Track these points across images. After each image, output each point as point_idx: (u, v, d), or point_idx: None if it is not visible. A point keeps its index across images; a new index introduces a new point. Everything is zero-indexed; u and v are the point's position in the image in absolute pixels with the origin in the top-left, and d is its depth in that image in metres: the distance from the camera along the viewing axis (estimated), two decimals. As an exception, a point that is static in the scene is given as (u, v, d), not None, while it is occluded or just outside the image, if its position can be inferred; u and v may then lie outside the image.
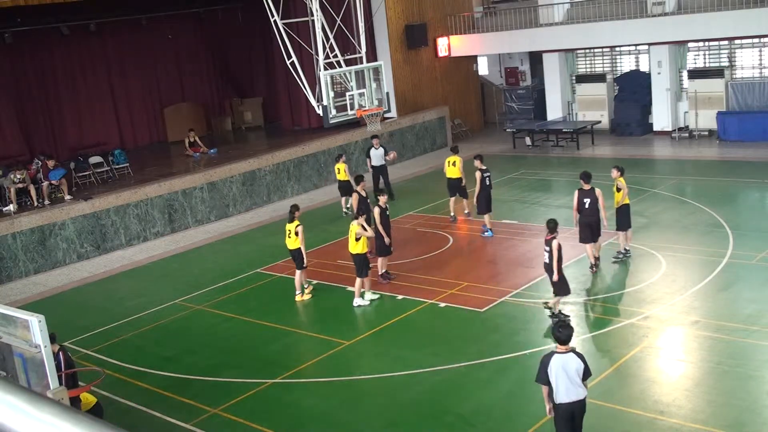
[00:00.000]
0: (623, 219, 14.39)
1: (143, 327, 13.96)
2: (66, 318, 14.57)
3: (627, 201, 14.39)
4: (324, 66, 18.89)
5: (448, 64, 29.17)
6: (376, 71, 19.78)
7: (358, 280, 13.72)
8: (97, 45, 25.81)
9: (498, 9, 29.64)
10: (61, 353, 9.26)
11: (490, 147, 26.52)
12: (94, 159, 22.42)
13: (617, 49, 27.51)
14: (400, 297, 13.93)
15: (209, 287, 15.67)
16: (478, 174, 16.68)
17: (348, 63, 20.26)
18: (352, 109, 18.88)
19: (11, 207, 18.41)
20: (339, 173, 19.65)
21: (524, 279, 14.14)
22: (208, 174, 21.09)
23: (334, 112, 18.59)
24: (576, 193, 14.12)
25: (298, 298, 14.39)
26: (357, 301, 13.75)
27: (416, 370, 11.05)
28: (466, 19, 28.97)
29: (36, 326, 5.58)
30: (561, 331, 7.95)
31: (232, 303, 14.70)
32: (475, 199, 16.91)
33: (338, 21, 20.59)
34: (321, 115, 18.99)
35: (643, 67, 26.92)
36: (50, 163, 19.77)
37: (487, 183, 16.77)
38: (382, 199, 14.66)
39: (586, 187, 13.95)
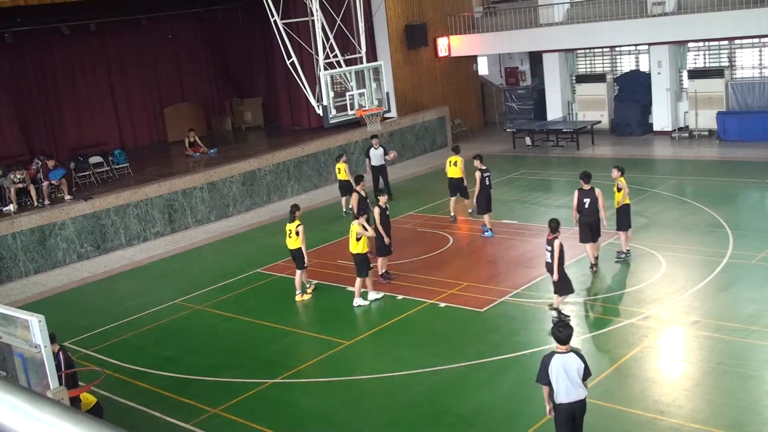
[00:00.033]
0: (623, 219, 14.39)
1: (143, 327, 13.96)
2: (66, 318, 14.57)
3: (627, 201, 14.40)
4: (324, 66, 18.89)
5: (448, 64, 29.17)
6: (376, 71, 19.78)
7: (358, 280, 13.72)
8: (97, 45, 25.81)
9: (498, 9, 29.64)
10: (61, 353, 9.26)
11: (490, 147, 26.52)
12: (94, 159, 22.42)
13: (617, 49, 27.51)
14: (400, 297, 13.93)
15: (209, 287, 15.67)
16: (477, 174, 16.69)
17: (348, 63, 20.26)
18: (352, 109, 18.88)
19: (11, 207, 18.41)
20: (340, 173, 19.67)
21: (524, 279, 14.14)
22: (208, 174, 21.09)
23: (334, 112, 18.59)
24: (576, 193, 14.14)
25: (298, 298, 14.39)
26: (357, 301, 13.75)
27: (416, 370, 11.05)
28: (466, 19, 28.97)
29: (36, 326, 5.58)
30: (561, 330, 7.95)
31: (232, 303, 14.70)
32: (474, 199, 16.93)
33: (338, 21, 20.59)
34: (321, 115, 18.99)
35: (643, 67, 26.92)
36: (50, 163, 19.77)
37: (487, 183, 16.78)
38: (382, 199, 14.66)
39: (586, 187, 13.96)
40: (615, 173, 14.45)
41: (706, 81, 24.84)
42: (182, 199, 20.33)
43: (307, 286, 14.69)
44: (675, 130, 25.50)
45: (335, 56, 19.88)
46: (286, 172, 22.86)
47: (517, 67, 31.41)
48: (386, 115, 22.98)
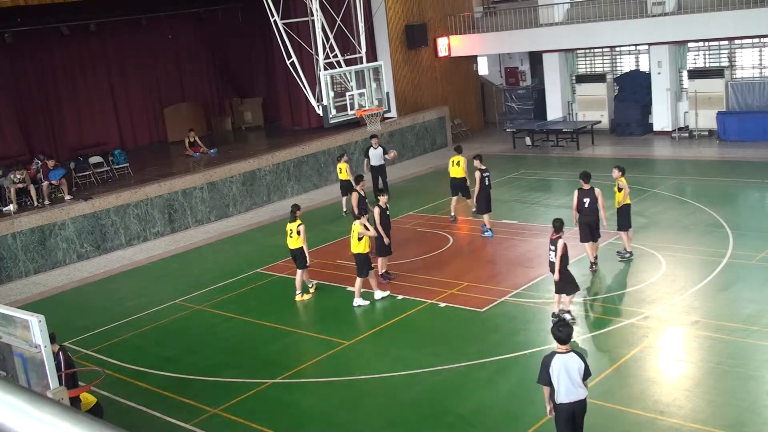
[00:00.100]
0: (624, 219, 14.40)
1: (143, 327, 13.96)
2: (66, 318, 14.57)
3: (628, 201, 14.41)
4: (324, 66, 18.89)
5: (448, 64, 29.17)
6: (376, 71, 19.78)
7: (358, 280, 13.72)
8: (97, 45, 25.81)
9: (498, 9, 29.64)
10: (61, 353, 9.26)
11: (490, 147, 26.52)
12: (94, 159, 22.42)
13: (617, 49, 27.51)
14: (400, 297, 13.93)
15: (209, 287, 15.67)
16: (477, 174, 16.70)
17: (348, 63, 20.27)
18: (352, 109, 18.89)
19: (11, 207, 18.41)
20: (341, 173, 19.67)
21: (524, 279, 14.14)
22: (208, 174, 21.09)
23: (334, 112, 18.59)
24: (576, 192, 14.16)
25: (298, 298, 14.39)
26: (357, 301, 13.74)
27: (416, 370, 11.04)
28: (466, 19, 28.97)
29: (36, 326, 5.58)
30: (561, 330, 7.95)
31: (232, 303, 14.70)
32: (474, 199, 16.95)
33: (338, 21, 20.59)
34: (321, 115, 19.00)
35: (643, 67, 26.92)
36: (50, 163, 19.77)
37: (487, 183, 16.78)
38: (383, 199, 14.65)
39: (586, 186, 13.98)
40: (616, 173, 14.46)
41: (706, 81, 24.84)
42: (182, 199, 20.33)
43: (309, 286, 14.69)
44: (675, 130, 25.50)
45: (335, 56, 19.88)
46: (286, 172, 22.86)
47: (517, 67, 31.41)
48: (386, 115, 22.98)
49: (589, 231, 13.96)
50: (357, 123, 22.78)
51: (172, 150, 26.34)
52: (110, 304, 15.46)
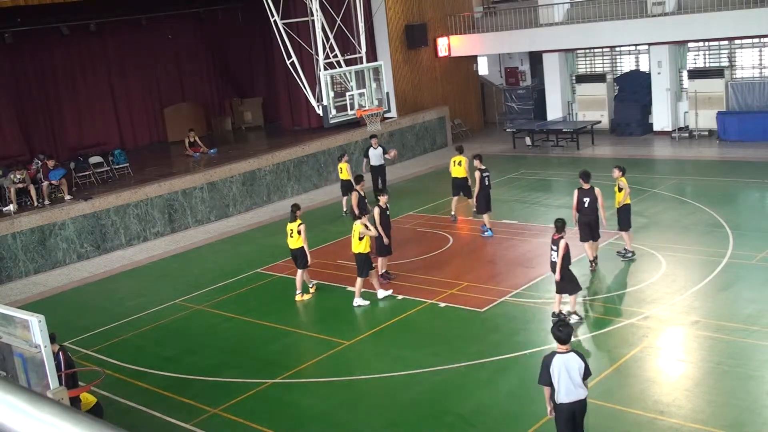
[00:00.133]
0: (624, 219, 14.41)
1: (143, 327, 13.96)
2: (66, 318, 14.57)
3: (628, 201, 14.42)
4: (324, 66, 18.89)
5: (448, 64, 29.17)
6: (376, 71, 19.78)
7: (359, 280, 13.72)
8: (97, 45, 25.82)
9: (498, 9, 29.64)
10: (61, 353, 9.26)
11: (490, 147, 26.52)
12: (94, 159, 22.42)
13: (617, 49, 27.51)
14: (400, 297, 13.93)
15: (209, 287, 15.67)
16: (477, 174, 16.72)
17: (348, 63, 20.27)
18: (352, 109, 18.88)
19: (11, 207, 18.41)
20: (342, 173, 19.67)
21: (524, 279, 14.14)
22: (208, 174, 21.09)
23: (334, 112, 18.59)
24: (576, 192, 14.17)
25: (298, 298, 14.39)
26: (357, 301, 13.74)
27: (416, 370, 11.04)
28: (466, 19, 28.97)
29: (36, 326, 5.58)
30: (561, 330, 7.94)
31: (232, 303, 14.70)
32: (474, 199, 16.96)
33: (338, 21, 20.59)
34: (321, 115, 18.99)
35: (643, 67, 26.92)
36: (50, 163, 19.77)
37: (487, 183, 16.79)
38: (383, 199, 14.65)
39: (586, 186, 13.99)
40: (616, 173, 14.47)
41: (706, 81, 24.84)
42: (182, 199, 20.33)
43: (309, 286, 14.69)
44: (675, 130, 25.50)
45: (335, 56, 19.88)
46: (286, 172, 22.86)
47: (517, 67, 31.41)
48: (386, 115, 22.98)
49: (589, 230, 13.97)
50: (357, 123, 22.78)
51: (172, 150, 26.34)
52: (110, 304, 15.46)
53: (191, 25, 28.73)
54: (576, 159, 23.96)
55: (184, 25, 28.45)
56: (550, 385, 7.86)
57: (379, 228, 14.34)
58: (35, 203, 18.82)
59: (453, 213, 18.41)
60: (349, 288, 14.31)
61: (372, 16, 25.96)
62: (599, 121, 26.62)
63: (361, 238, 13.48)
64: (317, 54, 18.99)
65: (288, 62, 19.30)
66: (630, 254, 14.45)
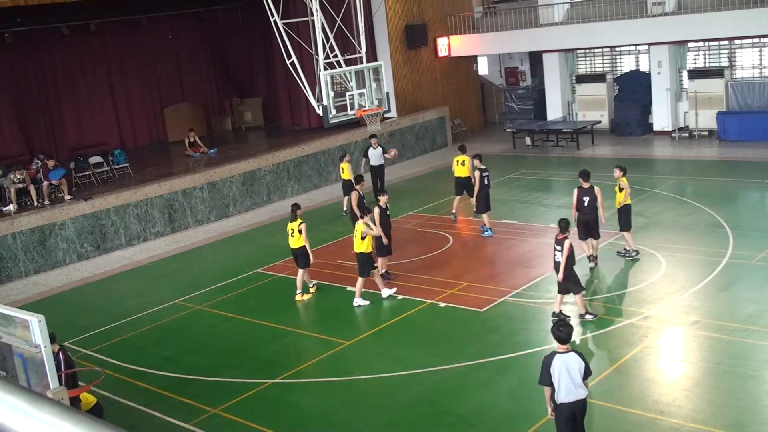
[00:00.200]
0: (625, 219, 14.41)
1: (143, 327, 13.96)
2: (66, 318, 14.57)
3: (629, 201, 14.43)
4: (324, 66, 18.89)
5: (448, 64, 29.17)
6: (376, 71, 19.78)
7: (360, 280, 13.72)
8: (97, 45, 25.82)
9: (498, 9, 29.64)
10: (61, 353, 9.26)
11: (490, 147, 26.51)
12: (94, 159, 22.42)
13: (617, 49, 27.51)
14: (400, 297, 13.93)
15: (209, 287, 15.67)
16: (477, 173, 16.74)
17: (348, 63, 20.27)
18: (352, 109, 18.89)
19: (11, 207, 18.41)
20: (343, 172, 19.66)
21: (524, 279, 14.14)
22: (208, 174, 21.09)
23: (334, 112, 18.59)
24: (575, 191, 14.19)
25: (298, 297, 14.39)
26: (357, 301, 13.74)
27: (416, 370, 11.04)
28: (466, 19, 28.97)
29: (36, 326, 5.58)
30: (561, 329, 7.94)
31: (232, 303, 14.70)
32: (474, 199, 16.97)
33: (338, 21, 20.60)
34: (321, 115, 19.00)
35: (643, 67, 26.92)
36: (50, 163, 19.77)
37: (486, 182, 16.80)
38: (383, 199, 14.66)
39: (585, 185, 14.01)
40: (617, 173, 14.47)
41: (706, 81, 24.84)
42: (182, 199, 20.33)
43: (310, 286, 14.69)
44: (675, 130, 25.50)
45: (335, 56, 19.88)
46: (286, 172, 22.86)
47: (517, 67, 31.41)
48: (386, 115, 22.98)
49: (587, 229, 14.00)
50: (357, 123, 22.78)
51: (172, 150, 26.34)
52: (110, 304, 15.46)
53: (191, 25, 28.73)
54: (576, 159, 23.96)
55: (184, 25, 28.45)
56: (551, 385, 7.85)
57: (379, 228, 14.34)
58: (35, 203, 18.82)
59: (454, 212, 18.41)
60: (350, 288, 14.31)
61: (372, 16, 25.96)
62: (599, 121, 26.62)
63: (363, 238, 13.48)
64: (317, 54, 18.99)
65: (288, 62, 19.30)
66: (634, 253, 14.46)
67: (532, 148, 26.49)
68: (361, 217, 13.85)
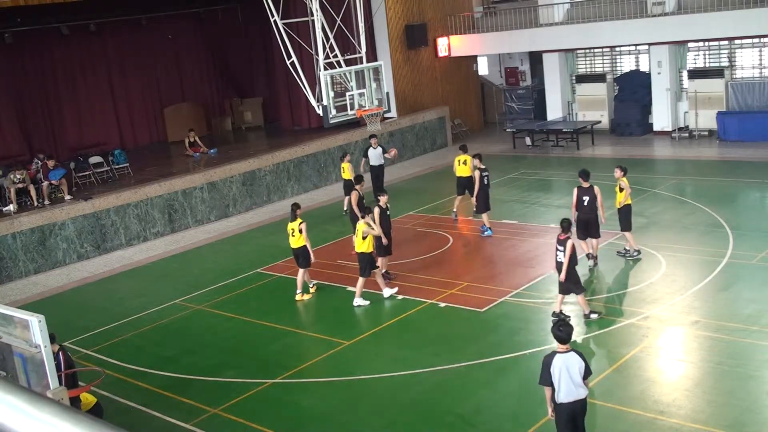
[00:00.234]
0: (625, 219, 14.41)
1: (143, 327, 13.96)
2: (66, 318, 14.57)
3: (629, 201, 14.42)
4: (324, 66, 18.89)
5: (448, 64, 29.17)
6: (376, 71, 19.78)
7: (360, 280, 13.72)
8: (97, 45, 25.82)
9: (498, 9, 29.64)
10: (61, 353, 9.25)
11: (490, 147, 26.51)
12: (94, 159, 22.42)
13: (617, 49, 27.51)
14: (400, 297, 13.93)
15: (209, 287, 15.67)
16: (477, 173, 16.74)
17: (348, 63, 20.27)
18: (352, 109, 18.89)
19: (11, 207, 18.41)
20: (344, 172, 19.66)
21: (524, 279, 14.14)
22: (208, 174, 21.09)
23: (334, 112, 18.59)
24: (575, 190, 14.20)
25: (298, 297, 14.39)
26: (357, 301, 13.74)
27: (416, 370, 11.04)
28: (466, 19, 28.97)
29: (36, 326, 5.57)
30: (561, 329, 7.94)
31: (232, 303, 14.69)
32: (474, 198, 16.97)
33: (338, 21, 20.60)
34: (321, 115, 19.00)
35: (643, 67, 26.91)
36: (50, 163, 19.77)
37: (486, 182, 16.81)
38: (383, 199, 14.66)
39: (585, 184, 14.01)
40: (618, 173, 14.48)
41: (706, 81, 24.84)
42: (182, 199, 20.33)
43: (310, 285, 14.69)
44: (675, 130, 25.50)
45: (335, 56, 19.88)
46: (286, 172, 22.86)
47: (517, 67, 31.41)
48: (386, 115, 22.98)
49: (586, 228, 14.00)
50: (357, 123, 22.78)
51: (172, 150, 26.34)
52: (110, 304, 15.46)
53: (191, 25, 28.73)
54: (576, 159, 23.95)
55: (184, 25, 28.45)
56: (551, 385, 7.85)
57: (379, 228, 14.34)
58: (35, 203, 18.82)
59: (455, 211, 18.41)
60: (350, 288, 14.31)
61: (372, 16, 25.96)
62: (599, 121, 26.62)
63: (364, 237, 13.48)
64: (317, 54, 18.99)
65: (288, 62, 19.30)
66: (636, 253, 14.46)
67: (532, 148, 26.49)
68: (362, 217, 13.86)
